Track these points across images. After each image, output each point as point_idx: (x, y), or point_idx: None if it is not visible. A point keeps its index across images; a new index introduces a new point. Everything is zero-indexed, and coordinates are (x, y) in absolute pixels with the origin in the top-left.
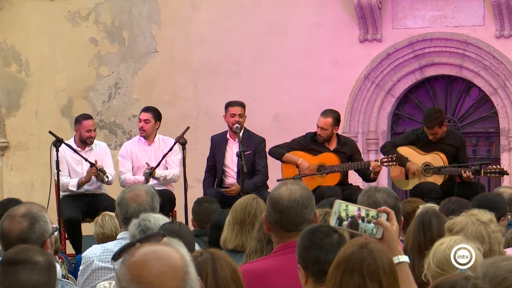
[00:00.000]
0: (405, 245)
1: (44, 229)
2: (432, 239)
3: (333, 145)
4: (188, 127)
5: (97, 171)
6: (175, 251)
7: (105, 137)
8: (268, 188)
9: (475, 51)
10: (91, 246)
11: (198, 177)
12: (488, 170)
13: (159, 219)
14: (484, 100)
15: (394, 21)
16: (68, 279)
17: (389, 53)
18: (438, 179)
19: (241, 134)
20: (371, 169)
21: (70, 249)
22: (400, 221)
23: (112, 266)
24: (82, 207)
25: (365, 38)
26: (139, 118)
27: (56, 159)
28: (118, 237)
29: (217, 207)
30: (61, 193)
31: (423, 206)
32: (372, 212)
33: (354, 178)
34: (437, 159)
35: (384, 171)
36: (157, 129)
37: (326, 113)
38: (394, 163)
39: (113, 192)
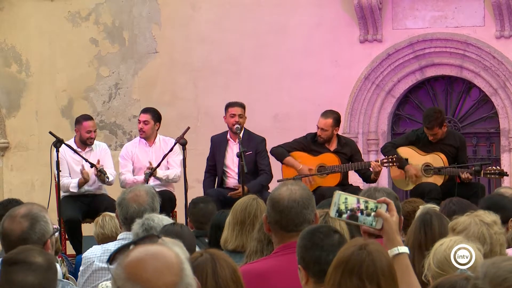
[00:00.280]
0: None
1: (45, 229)
2: (433, 239)
3: (333, 146)
4: (189, 128)
5: (97, 172)
6: (169, 250)
7: (106, 138)
8: (268, 188)
9: (475, 52)
10: (91, 247)
11: (198, 178)
12: (488, 171)
13: (162, 219)
14: (484, 101)
15: (394, 21)
16: (68, 279)
17: (389, 54)
18: (438, 180)
19: (241, 135)
20: (371, 169)
21: (70, 250)
22: (400, 220)
23: None
24: (82, 207)
25: (365, 39)
26: (138, 120)
27: (56, 159)
28: (118, 237)
29: (213, 207)
30: (62, 194)
31: (423, 207)
32: (371, 204)
33: (354, 179)
34: (437, 159)
35: (384, 171)
36: (157, 130)
37: (326, 114)
38: (394, 164)
39: (113, 192)
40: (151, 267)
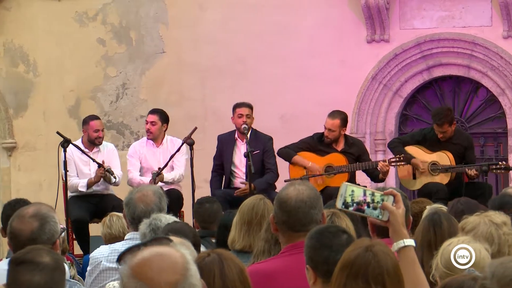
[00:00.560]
0: None
1: (54, 229)
2: (442, 239)
3: (340, 146)
4: (196, 128)
5: (104, 172)
6: (176, 251)
7: (113, 138)
8: (275, 188)
9: (483, 52)
10: (98, 247)
11: (206, 178)
12: (494, 167)
13: (169, 219)
14: (492, 101)
15: (401, 21)
16: (78, 281)
17: (396, 54)
18: (444, 178)
19: (248, 135)
20: (379, 169)
21: (77, 250)
22: (408, 220)
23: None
24: (90, 207)
25: (372, 39)
26: (146, 120)
27: (64, 159)
28: (126, 237)
29: (218, 207)
30: (69, 194)
31: (431, 207)
32: (378, 196)
33: (362, 179)
34: (444, 157)
35: (391, 171)
36: (164, 131)
37: (334, 114)
38: (402, 163)
39: (121, 192)
40: (155, 266)
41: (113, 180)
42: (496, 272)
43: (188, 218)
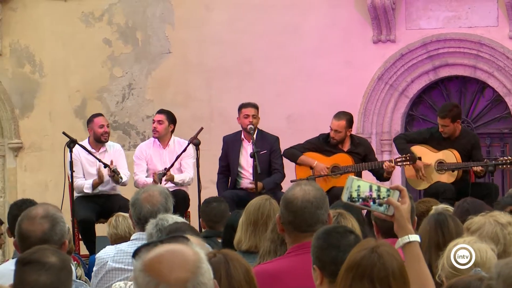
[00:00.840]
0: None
1: (64, 230)
2: (450, 239)
3: (346, 146)
4: (202, 128)
5: (111, 172)
6: (191, 250)
7: (119, 138)
8: (282, 188)
9: (489, 52)
10: (104, 247)
11: (212, 178)
12: (500, 161)
13: (176, 220)
14: (498, 101)
15: (407, 22)
16: (85, 282)
17: (402, 54)
18: (450, 178)
19: (254, 136)
20: (384, 169)
21: (84, 250)
22: (413, 220)
23: (126, 267)
24: (96, 208)
25: (378, 39)
26: (153, 120)
27: (70, 160)
28: (132, 237)
29: (226, 207)
30: (75, 194)
31: (436, 207)
32: (384, 191)
33: (368, 179)
34: (450, 155)
35: (398, 170)
36: (171, 131)
37: (339, 115)
38: (408, 163)
39: (127, 192)
40: (166, 262)
41: (121, 180)
42: (502, 272)
43: (194, 219)
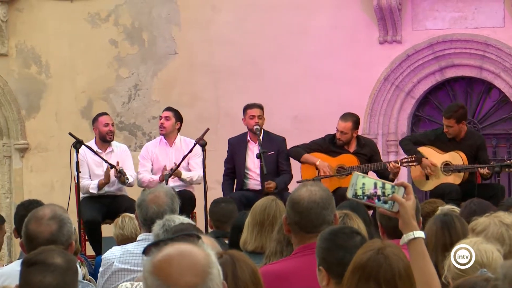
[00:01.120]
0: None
1: (71, 231)
2: (457, 239)
3: (352, 147)
4: (208, 129)
5: (117, 173)
6: (202, 252)
7: (125, 139)
8: (288, 189)
9: (495, 53)
10: (111, 248)
11: (218, 179)
12: (506, 163)
13: (183, 220)
14: (504, 102)
15: (414, 22)
16: (89, 281)
17: (409, 55)
18: (457, 179)
19: (261, 136)
20: (389, 170)
21: (90, 251)
22: (419, 221)
23: (132, 268)
24: (102, 208)
25: (384, 40)
26: (160, 117)
27: (76, 160)
28: (138, 238)
29: (234, 207)
30: (81, 195)
31: (442, 208)
32: (389, 188)
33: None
34: (456, 157)
35: (403, 171)
36: (177, 129)
37: (346, 117)
38: (414, 163)
39: (133, 193)
40: (175, 265)
41: (127, 181)
42: (508, 273)
43: (201, 219)
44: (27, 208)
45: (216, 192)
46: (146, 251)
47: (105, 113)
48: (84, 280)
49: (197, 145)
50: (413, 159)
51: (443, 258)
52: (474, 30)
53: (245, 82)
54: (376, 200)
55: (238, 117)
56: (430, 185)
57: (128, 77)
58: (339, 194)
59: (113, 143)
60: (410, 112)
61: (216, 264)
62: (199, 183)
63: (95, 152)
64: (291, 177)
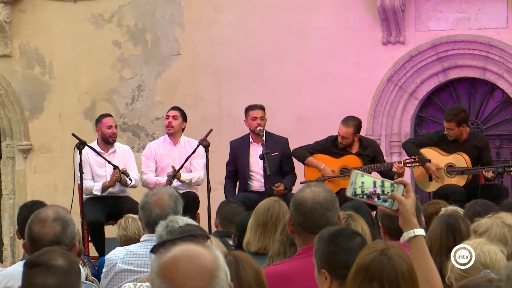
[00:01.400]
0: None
1: (74, 232)
2: (461, 242)
3: (355, 149)
4: (211, 130)
5: (119, 174)
6: (209, 254)
7: (128, 140)
8: (291, 190)
9: (499, 53)
10: (114, 249)
11: (221, 180)
12: (509, 164)
13: (186, 222)
14: (508, 102)
15: (417, 23)
16: (92, 282)
17: (412, 56)
18: (461, 181)
19: (263, 137)
20: (394, 171)
21: (93, 252)
22: (420, 221)
23: (135, 269)
24: (105, 209)
25: (388, 41)
26: (166, 115)
27: (79, 161)
28: (141, 239)
29: (243, 211)
30: (84, 196)
31: (445, 209)
32: (388, 186)
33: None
34: (460, 159)
35: (407, 172)
36: (183, 129)
37: (347, 122)
38: (417, 164)
39: (137, 194)
40: (182, 268)
41: (129, 182)
42: (511, 274)
43: (204, 220)
44: (30, 209)
45: (219, 193)
46: (153, 250)
47: (109, 115)
48: (87, 281)
49: (200, 146)
50: (416, 160)
51: (447, 260)
52: (477, 31)
53: (247, 83)
54: (376, 199)
55: (240, 118)
56: (433, 186)
57: (131, 78)
58: (343, 195)
59: (116, 144)
60: (413, 113)
61: (223, 267)
62: (199, 185)
63: (98, 153)
64: (295, 177)
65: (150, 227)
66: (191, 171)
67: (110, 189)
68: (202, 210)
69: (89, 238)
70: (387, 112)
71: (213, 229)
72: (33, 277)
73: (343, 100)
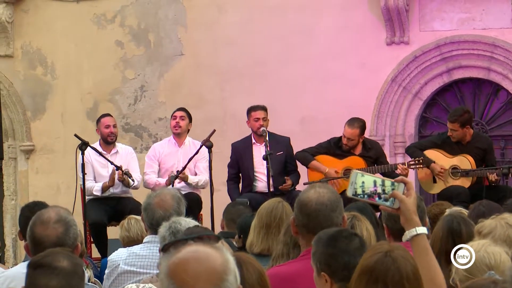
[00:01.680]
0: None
1: (77, 233)
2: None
3: (358, 151)
4: (214, 130)
5: (122, 175)
6: (220, 256)
7: (131, 141)
8: (295, 188)
9: (503, 54)
10: (116, 250)
11: (224, 181)
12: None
13: (190, 223)
14: None
15: (421, 23)
16: (94, 283)
17: (416, 56)
18: (465, 182)
19: (267, 138)
20: (398, 172)
21: (95, 253)
22: (425, 222)
23: (138, 270)
24: (108, 210)
25: (392, 41)
26: (174, 116)
27: (81, 162)
28: (144, 240)
29: (250, 212)
30: (86, 197)
31: (449, 210)
32: (388, 184)
33: None
34: (465, 161)
35: (411, 174)
36: (188, 130)
37: (353, 123)
38: (421, 165)
39: (139, 195)
40: (191, 270)
41: (132, 183)
42: None
43: (207, 221)
44: (32, 210)
45: (222, 194)
46: (164, 249)
47: (108, 114)
48: (89, 282)
49: (203, 147)
50: (420, 161)
51: (446, 264)
52: (482, 31)
53: (251, 83)
54: (377, 198)
55: (244, 119)
56: (436, 188)
57: (134, 79)
58: (347, 196)
59: (118, 144)
60: (417, 114)
61: (233, 270)
62: (204, 188)
63: (100, 154)
64: (299, 175)
65: (153, 228)
66: (196, 173)
67: (112, 190)
68: (205, 212)
69: (92, 239)
70: (391, 112)
71: (216, 230)
72: (37, 279)
73: (347, 100)
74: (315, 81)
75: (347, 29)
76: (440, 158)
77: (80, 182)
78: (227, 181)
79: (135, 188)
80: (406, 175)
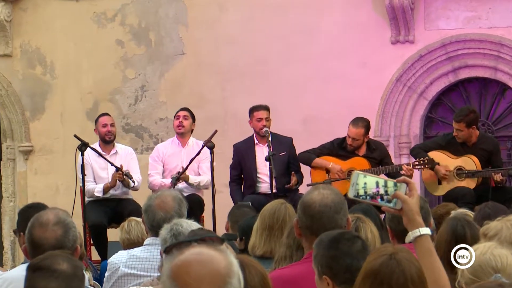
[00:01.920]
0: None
1: (76, 235)
2: None
3: (362, 151)
4: (216, 131)
5: (122, 176)
6: (223, 259)
7: (132, 141)
8: (298, 191)
9: (510, 53)
10: (117, 252)
11: (225, 182)
12: None
13: (191, 225)
14: None
15: (426, 22)
16: (93, 286)
17: (421, 55)
18: (471, 183)
19: (269, 138)
20: (403, 173)
21: (95, 255)
22: (429, 224)
23: (138, 273)
24: (108, 212)
25: (397, 40)
26: (177, 116)
27: (81, 163)
28: (145, 242)
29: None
30: (86, 198)
31: (454, 212)
32: (391, 185)
33: None
34: (469, 162)
35: (416, 175)
36: (192, 130)
37: (357, 123)
38: (426, 166)
39: (139, 197)
40: (194, 272)
41: (132, 184)
42: None
43: (209, 223)
44: (31, 211)
45: (224, 195)
46: (167, 250)
47: (106, 114)
48: (89, 285)
49: (205, 147)
50: (425, 162)
51: (448, 267)
52: (488, 30)
53: (253, 83)
54: (379, 199)
55: (245, 118)
56: (441, 190)
57: (134, 78)
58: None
59: (118, 145)
60: (422, 114)
61: (237, 273)
62: (207, 188)
63: (100, 154)
64: (303, 175)
65: (154, 230)
66: (199, 174)
67: (112, 192)
68: (207, 213)
69: (91, 242)
70: (395, 112)
71: (218, 232)
72: (36, 281)
73: (351, 100)
74: (318, 81)
75: (351, 27)
76: (445, 159)
77: (79, 183)
78: (229, 182)
79: (135, 189)
80: (411, 176)
